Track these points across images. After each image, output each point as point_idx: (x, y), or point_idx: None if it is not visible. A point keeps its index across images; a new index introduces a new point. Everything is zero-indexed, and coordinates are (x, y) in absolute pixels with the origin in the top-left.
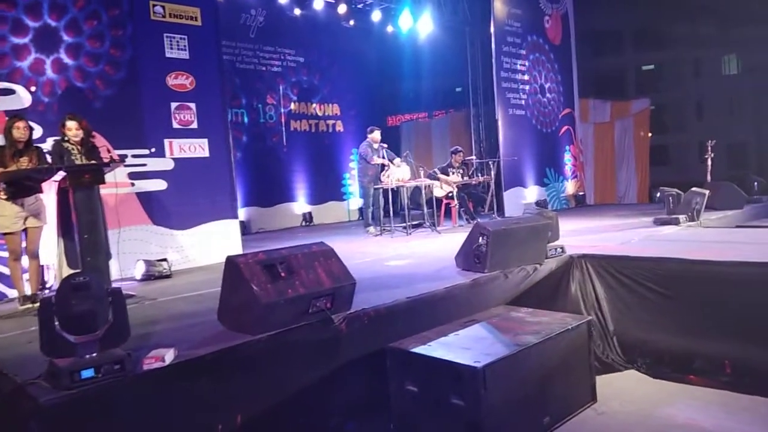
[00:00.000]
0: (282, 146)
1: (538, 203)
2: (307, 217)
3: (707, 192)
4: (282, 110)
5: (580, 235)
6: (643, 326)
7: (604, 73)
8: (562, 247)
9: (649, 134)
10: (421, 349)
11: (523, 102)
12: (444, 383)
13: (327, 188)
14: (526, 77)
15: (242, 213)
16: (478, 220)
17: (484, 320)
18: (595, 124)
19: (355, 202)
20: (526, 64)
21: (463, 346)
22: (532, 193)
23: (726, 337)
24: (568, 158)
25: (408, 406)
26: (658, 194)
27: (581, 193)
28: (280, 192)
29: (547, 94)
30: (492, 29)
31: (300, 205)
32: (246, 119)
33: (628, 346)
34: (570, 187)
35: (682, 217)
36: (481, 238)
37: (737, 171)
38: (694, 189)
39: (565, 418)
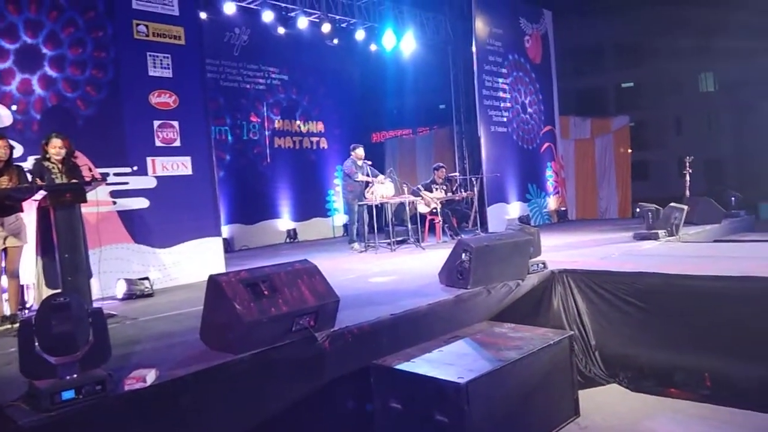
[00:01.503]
0: (266, 163)
1: (521, 219)
2: (292, 234)
3: (686, 207)
4: (266, 128)
5: (562, 251)
6: (624, 340)
7: (585, 91)
8: (543, 263)
9: (629, 150)
10: (405, 366)
11: (505, 119)
12: (428, 400)
13: (311, 205)
14: (507, 95)
15: (225, 230)
16: (462, 236)
17: (467, 336)
18: (575, 140)
19: (339, 218)
20: (508, 82)
21: (447, 362)
22: (515, 208)
23: (705, 350)
24: (549, 174)
25: (392, 423)
26: (638, 209)
27: (563, 209)
28: (264, 209)
29: (529, 111)
30: (474, 48)
31: (284, 221)
32: (230, 137)
33: (610, 361)
34: (552, 202)
35: (661, 232)
36: (464, 254)
37: (715, 186)
38: (672, 204)
39: None
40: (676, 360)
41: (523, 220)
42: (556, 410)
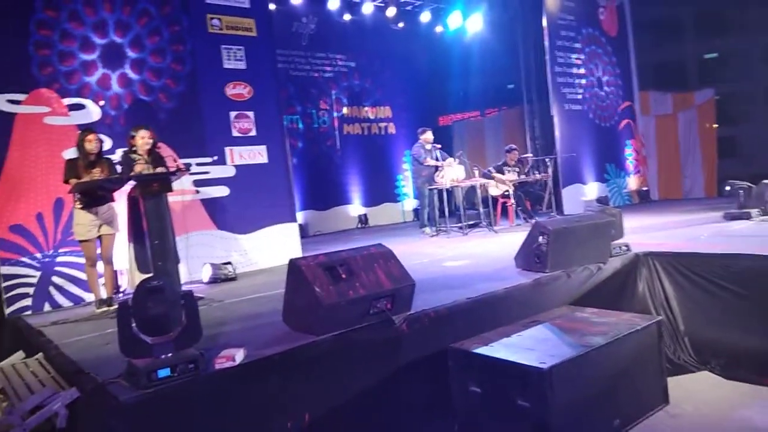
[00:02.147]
0: (336, 150)
1: (599, 200)
2: (363, 219)
3: None
4: (335, 115)
5: (646, 232)
6: (716, 326)
7: (665, 64)
8: (627, 245)
9: (715, 125)
10: (483, 350)
11: (579, 96)
12: (508, 384)
13: (381, 190)
14: (582, 71)
15: (299, 216)
16: (537, 218)
17: (547, 321)
18: (656, 116)
19: (409, 203)
20: (582, 57)
21: (527, 347)
22: (592, 189)
23: None
24: (629, 153)
25: (472, 406)
26: (728, 188)
27: (645, 189)
28: (335, 195)
29: (605, 88)
30: (544, 23)
31: (355, 207)
32: (301, 125)
33: (701, 347)
34: (632, 182)
35: (754, 212)
36: (541, 237)
37: None
38: (766, 181)
39: (636, 421)
40: None
41: (602, 201)
42: (643, 397)
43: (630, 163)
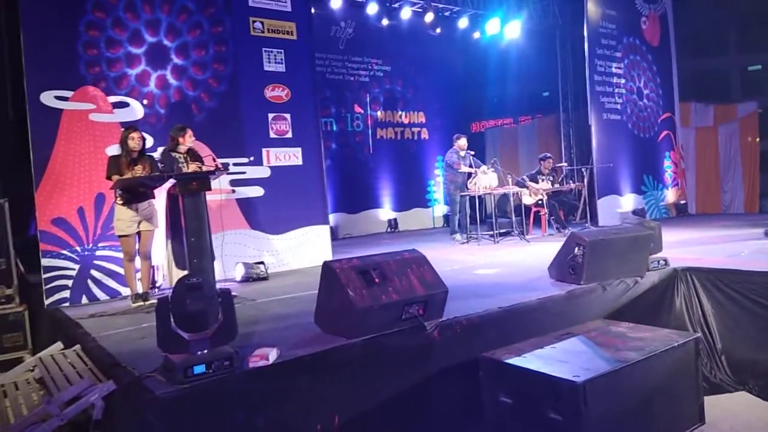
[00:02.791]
0: (368, 154)
1: (635, 212)
2: (392, 224)
3: None
4: (369, 119)
5: (684, 247)
6: (755, 345)
7: (707, 75)
8: (665, 260)
9: (757, 139)
10: (515, 361)
11: (618, 106)
12: (540, 396)
13: (412, 195)
14: (622, 80)
15: (330, 218)
16: (570, 229)
17: (581, 334)
18: (696, 128)
19: (439, 208)
20: (622, 66)
21: (561, 360)
22: (628, 201)
23: None
24: (668, 165)
25: (502, 417)
26: None
27: (682, 202)
28: (366, 198)
29: (645, 98)
30: (585, 32)
31: (385, 211)
32: (335, 128)
33: (739, 366)
34: (670, 195)
35: None
36: (577, 248)
37: None
38: None
39: None
40: None
41: (638, 213)
42: (679, 416)
43: (668, 175)
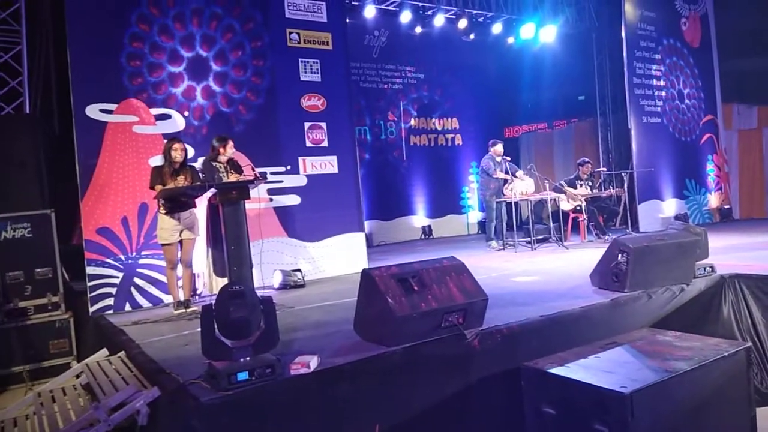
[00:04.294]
0: (402, 161)
1: (677, 217)
2: (427, 231)
3: None
4: (402, 126)
5: (730, 253)
6: None
7: (750, 76)
8: (712, 266)
9: None
10: (559, 370)
11: (658, 109)
12: (586, 408)
13: (446, 202)
14: (661, 83)
15: (365, 226)
16: (610, 235)
17: (626, 343)
18: (740, 131)
19: (473, 215)
20: (662, 69)
21: (606, 370)
22: (670, 206)
23: None
24: (710, 168)
25: (545, 428)
26: None
27: (726, 207)
28: (400, 206)
29: (686, 101)
30: (623, 34)
31: (419, 218)
32: (369, 136)
33: None
34: (713, 199)
35: None
36: (620, 255)
37: None
38: None
39: None
40: None
41: (681, 218)
42: (729, 428)
43: (711, 179)
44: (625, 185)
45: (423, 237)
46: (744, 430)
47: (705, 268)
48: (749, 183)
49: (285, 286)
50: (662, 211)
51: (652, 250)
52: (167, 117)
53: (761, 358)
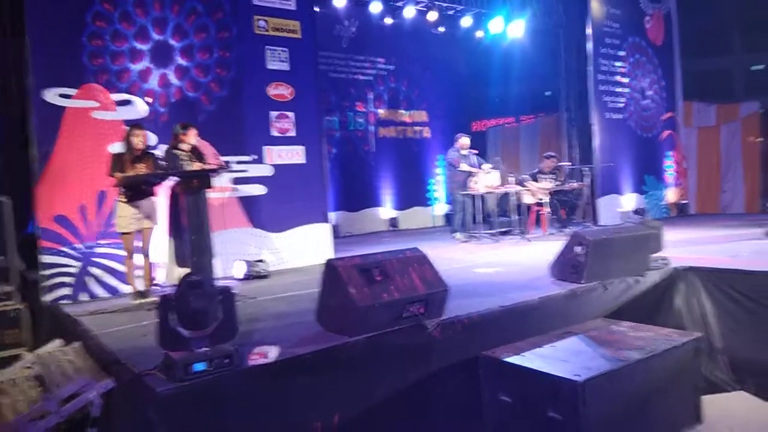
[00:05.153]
0: (370, 152)
1: (636, 211)
2: (393, 222)
3: None
4: (371, 117)
5: (684, 246)
6: (755, 345)
7: (710, 74)
8: (666, 259)
9: (759, 139)
10: (515, 360)
11: (621, 106)
12: (540, 396)
13: (413, 194)
14: (625, 80)
15: (331, 217)
16: (571, 228)
17: (581, 333)
18: (699, 128)
19: (440, 207)
20: (625, 66)
21: (561, 359)
22: (629, 200)
23: None
24: (669, 164)
25: (502, 416)
26: None
27: (684, 202)
28: (367, 197)
29: (648, 97)
30: (589, 31)
31: (386, 210)
32: (337, 126)
33: (738, 366)
34: (671, 194)
35: None
36: (579, 247)
37: None
38: None
39: None
40: None
41: (639, 212)
42: (677, 416)
43: (670, 175)
44: (587, 179)
45: (389, 229)
46: (690, 418)
47: (659, 261)
48: (706, 179)
49: (248, 277)
50: (621, 205)
51: (609, 242)
52: (128, 103)
53: (711, 347)
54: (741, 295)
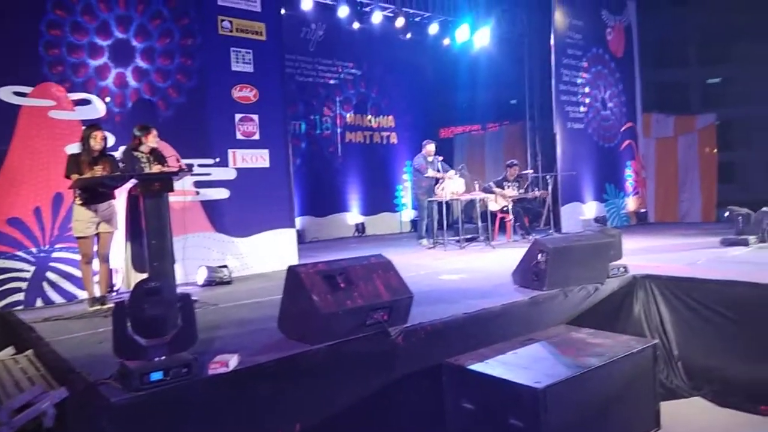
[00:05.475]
0: (337, 157)
1: (597, 219)
2: (360, 228)
3: None
4: (338, 122)
5: (643, 255)
6: (711, 352)
7: (668, 87)
8: (625, 267)
9: (715, 150)
10: (478, 367)
11: (582, 116)
12: (502, 403)
13: (380, 199)
14: (586, 90)
15: (297, 222)
16: (534, 235)
17: (543, 340)
18: (657, 139)
19: (407, 213)
20: (587, 77)
21: (522, 366)
22: (590, 208)
23: None
24: (629, 174)
25: (464, 423)
26: (726, 213)
27: (643, 210)
28: (334, 202)
29: (609, 108)
30: (552, 41)
31: (353, 215)
32: (303, 130)
33: (694, 372)
34: (631, 203)
35: (752, 238)
36: (540, 254)
37: None
38: (765, 209)
39: None
40: (766, 375)
41: (600, 221)
42: (635, 421)
43: (629, 184)
44: (550, 188)
45: (356, 234)
46: (649, 424)
47: (619, 269)
48: (664, 188)
49: (210, 283)
50: (583, 213)
51: (570, 250)
52: (87, 102)
53: (668, 354)
54: (697, 303)
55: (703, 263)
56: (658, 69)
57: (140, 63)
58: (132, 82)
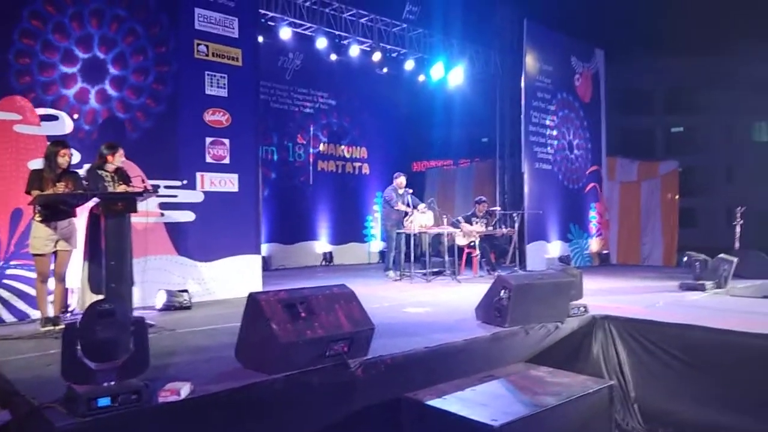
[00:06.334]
0: (308, 185)
1: (561, 259)
2: (328, 257)
3: (735, 259)
4: (311, 150)
5: (604, 295)
6: (667, 395)
7: (633, 133)
8: (585, 307)
9: (677, 196)
10: (436, 403)
11: (550, 157)
12: None
13: (349, 229)
14: (554, 133)
15: (264, 248)
16: (500, 271)
17: (502, 377)
18: (621, 183)
19: (375, 244)
20: (555, 119)
21: (481, 403)
22: (555, 247)
23: (753, 410)
24: (593, 215)
25: None
26: (685, 258)
27: (605, 252)
28: (302, 230)
29: (575, 151)
30: (522, 84)
31: (321, 244)
32: (275, 157)
33: (650, 414)
34: (594, 244)
35: (708, 284)
36: (503, 291)
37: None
38: (722, 255)
39: None
40: (721, 419)
41: (564, 260)
42: None
43: (593, 225)
44: (516, 225)
45: (323, 263)
46: None
47: (579, 308)
48: (627, 231)
49: (169, 307)
50: (548, 251)
51: (532, 287)
52: (54, 118)
53: (625, 395)
54: (654, 346)
55: (661, 306)
56: (624, 115)
57: (113, 78)
58: (100, 101)
